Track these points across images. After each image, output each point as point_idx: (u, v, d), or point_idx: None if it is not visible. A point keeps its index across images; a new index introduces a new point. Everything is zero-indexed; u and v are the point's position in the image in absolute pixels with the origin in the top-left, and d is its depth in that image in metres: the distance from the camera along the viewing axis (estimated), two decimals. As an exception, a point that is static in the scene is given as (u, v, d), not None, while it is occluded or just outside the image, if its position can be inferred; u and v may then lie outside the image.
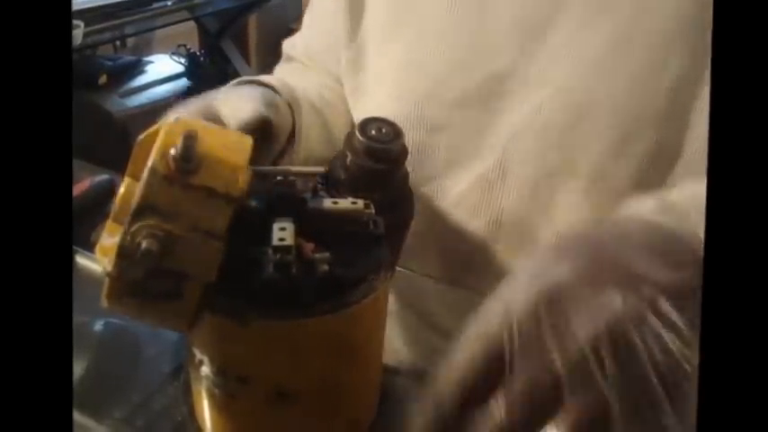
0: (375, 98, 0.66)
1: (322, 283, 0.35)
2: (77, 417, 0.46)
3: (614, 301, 0.31)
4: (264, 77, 0.60)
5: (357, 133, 0.43)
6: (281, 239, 0.34)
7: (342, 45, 0.69)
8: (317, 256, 0.35)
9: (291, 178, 0.39)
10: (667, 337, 0.31)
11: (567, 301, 0.32)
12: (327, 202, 0.38)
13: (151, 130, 0.34)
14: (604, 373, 0.30)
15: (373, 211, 0.39)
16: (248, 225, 0.35)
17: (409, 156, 0.61)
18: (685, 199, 0.40)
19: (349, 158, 0.43)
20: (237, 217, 0.33)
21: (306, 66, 0.75)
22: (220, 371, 0.36)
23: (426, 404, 0.32)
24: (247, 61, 2.65)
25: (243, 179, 0.34)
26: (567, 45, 0.55)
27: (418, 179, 0.62)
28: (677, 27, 0.53)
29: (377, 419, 0.42)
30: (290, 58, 0.77)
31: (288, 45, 0.78)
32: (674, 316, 0.31)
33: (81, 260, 0.67)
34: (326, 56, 0.72)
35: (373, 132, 0.43)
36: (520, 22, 0.56)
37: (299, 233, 0.35)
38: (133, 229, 0.31)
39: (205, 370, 0.37)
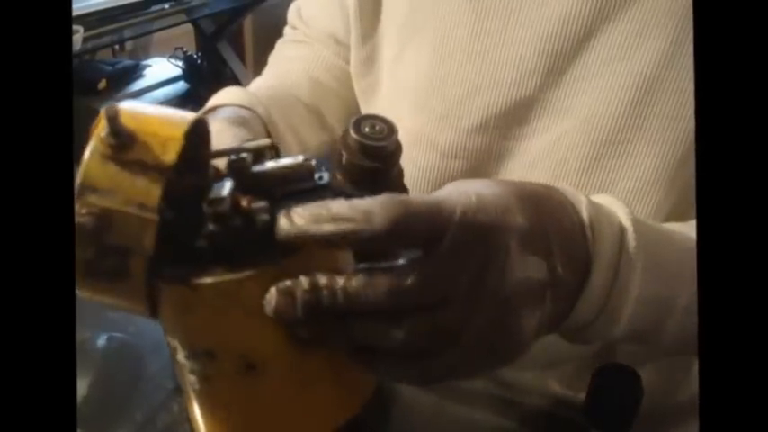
0: (389, 110, 0.63)
1: (263, 232, 0.34)
2: None
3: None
4: (237, 98, 0.59)
5: (351, 131, 0.43)
6: (216, 195, 0.34)
7: (344, 31, 0.67)
8: (254, 206, 0.35)
9: (244, 155, 0.39)
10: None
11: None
12: (269, 164, 0.38)
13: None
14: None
15: (314, 163, 0.38)
16: (190, 196, 0.35)
17: (422, 179, 0.60)
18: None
19: (344, 157, 0.43)
20: (176, 190, 0.34)
21: (306, 36, 0.74)
22: (189, 350, 0.36)
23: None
24: (243, 62, 2.65)
25: (174, 149, 0.34)
26: (598, 76, 0.52)
27: None
28: None
29: (374, 398, 0.40)
30: (294, 27, 0.76)
31: (292, 12, 0.76)
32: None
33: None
34: (328, 22, 0.70)
35: (367, 130, 0.43)
36: (546, 49, 0.54)
37: (242, 196, 0.35)
38: (78, 209, 0.33)
39: (180, 357, 0.37)
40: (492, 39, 0.55)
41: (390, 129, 0.44)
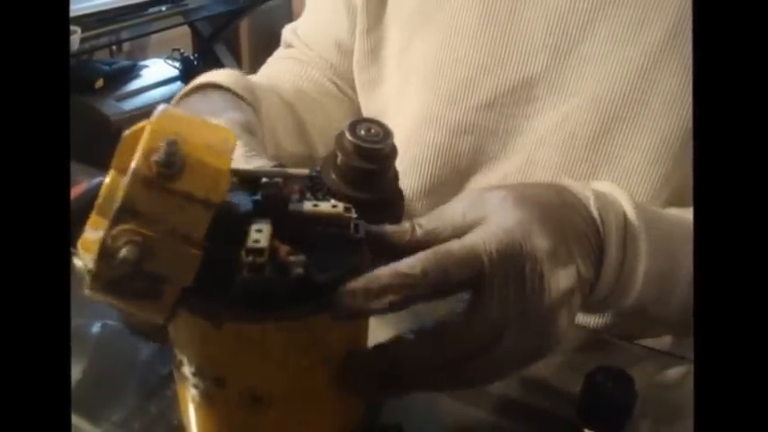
0: (396, 95, 0.65)
1: (295, 287, 0.34)
2: (75, 420, 0.46)
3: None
4: (218, 79, 0.58)
5: (347, 133, 0.43)
6: (256, 241, 0.34)
7: (343, 36, 0.68)
8: (292, 258, 0.34)
9: (277, 180, 0.38)
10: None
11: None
12: (308, 205, 0.38)
13: (137, 126, 0.34)
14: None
15: (354, 215, 0.38)
16: (228, 227, 0.35)
17: (430, 157, 0.61)
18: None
19: (339, 158, 0.43)
20: (218, 219, 0.33)
21: (301, 54, 0.75)
22: (198, 370, 0.36)
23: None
24: (239, 64, 2.66)
25: (224, 184, 0.33)
26: (604, 55, 0.54)
27: (436, 182, 0.62)
28: None
29: (365, 418, 0.42)
30: (289, 45, 0.77)
31: (288, 31, 0.77)
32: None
33: (78, 262, 0.67)
34: (325, 45, 0.72)
35: (363, 132, 0.43)
36: (554, 29, 0.55)
37: (277, 236, 0.35)
38: (113, 232, 0.31)
39: (185, 370, 0.37)
40: (500, 21, 0.57)
41: (386, 132, 0.44)
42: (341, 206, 0.38)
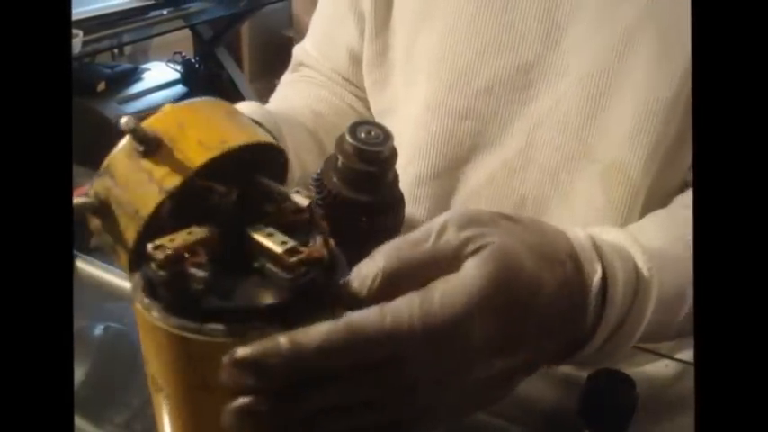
0: (403, 88, 0.67)
1: (174, 297, 0.33)
2: (77, 421, 0.46)
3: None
4: (254, 114, 0.58)
5: (347, 136, 0.43)
6: (172, 240, 0.33)
7: (354, 42, 0.70)
8: (194, 271, 0.32)
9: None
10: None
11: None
12: (263, 232, 0.35)
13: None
14: None
15: (301, 265, 0.33)
16: (175, 219, 0.35)
17: (432, 143, 0.64)
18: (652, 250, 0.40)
19: (339, 161, 0.44)
20: (175, 208, 0.35)
21: (312, 73, 0.76)
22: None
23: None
24: (240, 67, 2.67)
25: (185, 176, 0.34)
26: (587, 34, 0.57)
27: (442, 167, 0.64)
28: (687, 11, 0.53)
29: None
30: (301, 64, 0.78)
31: (298, 50, 0.79)
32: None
33: (81, 265, 0.67)
34: (338, 55, 0.73)
35: (363, 135, 0.44)
36: (545, 14, 0.59)
37: (214, 249, 0.34)
38: (95, 183, 0.35)
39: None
40: (496, 9, 0.60)
41: (386, 135, 0.45)
42: (292, 248, 0.34)
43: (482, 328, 0.34)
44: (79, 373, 0.52)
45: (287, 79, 0.79)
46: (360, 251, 0.37)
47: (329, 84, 0.75)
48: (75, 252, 0.66)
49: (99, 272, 0.64)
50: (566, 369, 0.57)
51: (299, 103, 0.71)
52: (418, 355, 0.33)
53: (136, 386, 0.52)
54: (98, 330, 0.58)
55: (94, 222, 0.37)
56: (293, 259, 0.33)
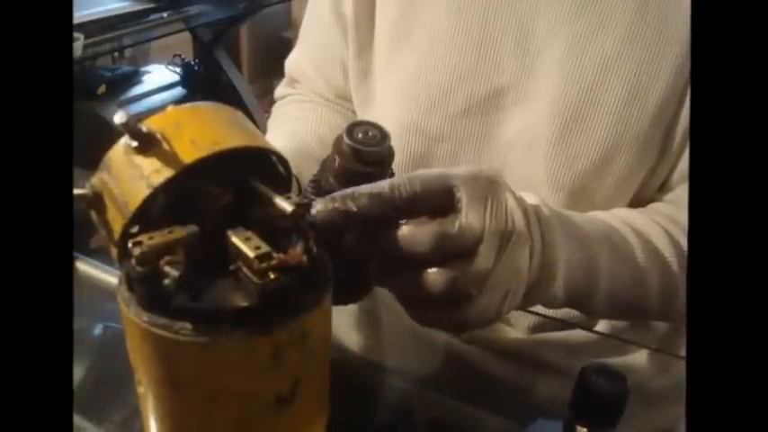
0: (381, 107, 0.67)
1: (142, 291, 0.34)
2: (77, 420, 0.46)
3: None
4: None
5: (344, 136, 0.44)
6: (151, 238, 0.33)
7: (345, 57, 0.70)
8: (168, 269, 0.33)
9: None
10: None
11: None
12: (240, 235, 0.35)
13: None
14: None
15: (270, 272, 0.33)
16: (160, 217, 0.35)
17: (409, 164, 0.64)
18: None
19: (337, 161, 0.44)
20: (165, 205, 0.35)
21: (307, 90, 0.77)
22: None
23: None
24: (239, 69, 2.67)
25: (172, 172, 0.34)
26: (561, 62, 0.57)
27: None
28: (665, 48, 0.55)
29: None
30: (295, 81, 0.79)
31: (290, 64, 0.79)
32: None
33: (81, 266, 0.67)
34: (331, 68, 0.73)
35: (360, 135, 0.44)
36: (520, 40, 0.59)
37: (192, 247, 0.34)
38: (97, 174, 0.36)
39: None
40: (472, 32, 0.61)
41: (383, 135, 0.45)
42: (264, 253, 0.33)
43: (507, 184, 0.43)
44: (79, 372, 0.52)
45: (282, 93, 0.80)
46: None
47: (326, 102, 0.75)
48: (75, 253, 0.66)
49: (99, 272, 0.64)
50: (558, 362, 0.58)
51: (302, 128, 0.71)
52: (468, 192, 0.41)
53: (135, 385, 0.52)
54: (98, 330, 0.59)
55: (94, 216, 0.37)
56: (263, 265, 0.33)
